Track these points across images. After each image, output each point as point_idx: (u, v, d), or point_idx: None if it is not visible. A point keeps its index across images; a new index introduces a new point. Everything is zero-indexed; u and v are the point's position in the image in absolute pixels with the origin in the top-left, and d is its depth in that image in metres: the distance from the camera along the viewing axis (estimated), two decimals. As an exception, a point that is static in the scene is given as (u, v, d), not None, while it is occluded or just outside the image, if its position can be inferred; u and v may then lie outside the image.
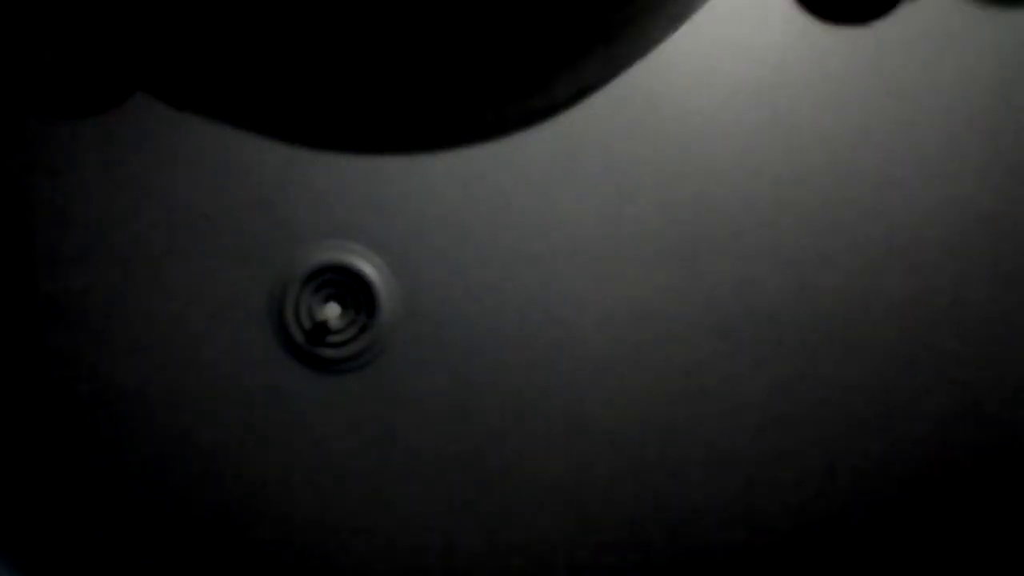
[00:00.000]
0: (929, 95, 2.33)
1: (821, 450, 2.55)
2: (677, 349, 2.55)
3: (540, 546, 2.64)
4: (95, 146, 2.43)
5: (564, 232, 2.65)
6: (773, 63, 2.62)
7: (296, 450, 2.61)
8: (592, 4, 0.81)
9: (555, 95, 0.97)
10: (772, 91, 2.65)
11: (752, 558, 2.57)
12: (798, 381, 2.58)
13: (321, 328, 2.46)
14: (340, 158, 2.39)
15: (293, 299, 2.52)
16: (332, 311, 2.53)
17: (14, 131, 2.50)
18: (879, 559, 2.46)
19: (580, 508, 2.65)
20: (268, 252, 2.66)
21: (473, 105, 0.89)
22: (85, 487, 2.53)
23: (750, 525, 2.57)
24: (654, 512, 2.59)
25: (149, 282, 2.52)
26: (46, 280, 2.47)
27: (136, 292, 2.56)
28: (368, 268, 2.57)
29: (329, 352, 2.55)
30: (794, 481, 2.58)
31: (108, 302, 2.56)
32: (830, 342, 2.55)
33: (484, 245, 2.63)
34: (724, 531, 2.56)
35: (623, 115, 2.60)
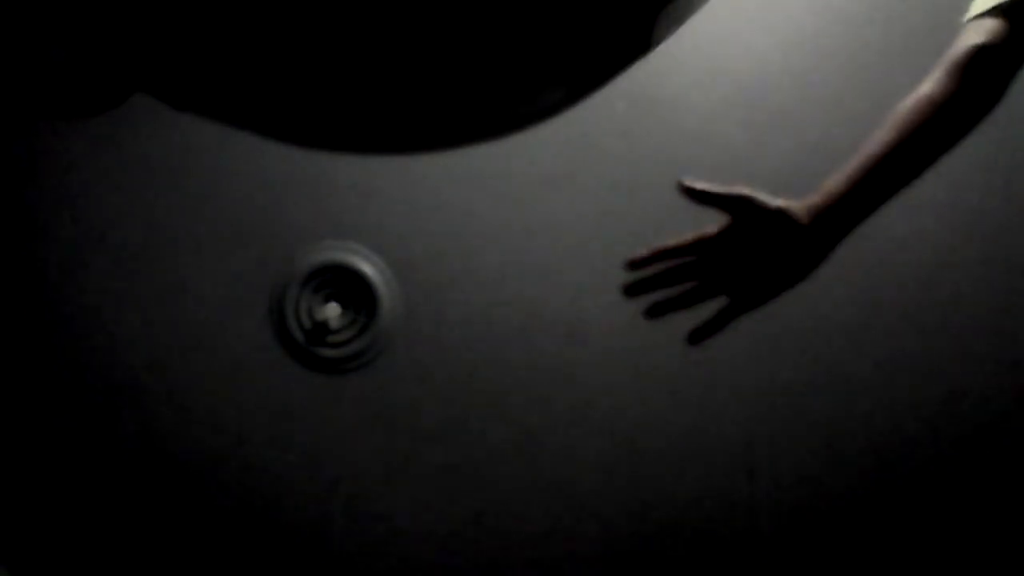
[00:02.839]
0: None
1: (821, 447, 2.53)
2: (677, 347, 2.52)
3: (538, 541, 2.62)
4: (95, 146, 2.43)
5: (564, 232, 2.64)
6: (773, 63, 2.61)
7: (296, 448, 2.61)
8: (593, 9, 0.81)
9: (555, 96, 0.97)
10: (773, 91, 2.64)
11: (751, 549, 2.54)
12: (798, 377, 2.56)
13: (321, 328, 2.45)
14: (340, 158, 2.38)
15: (293, 299, 2.51)
16: (332, 311, 2.52)
17: (15, 131, 2.49)
18: (879, 552, 2.43)
19: (579, 504, 2.64)
20: (268, 252, 2.66)
21: (474, 106, 0.89)
22: (85, 485, 2.51)
23: (750, 518, 2.55)
24: (652, 507, 2.58)
25: (149, 282, 2.52)
26: (46, 278, 2.46)
27: (136, 292, 2.56)
28: (368, 268, 2.56)
29: (329, 352, 2.54)
30: (795, 475, 2.56)
31: (108, 301, 2.55)
32: (830, 340, 2.54)
33: (484, 245, 2.62)
34: (724, 524, 2.54)
35: (623, 115, 2.59)
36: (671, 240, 1.26)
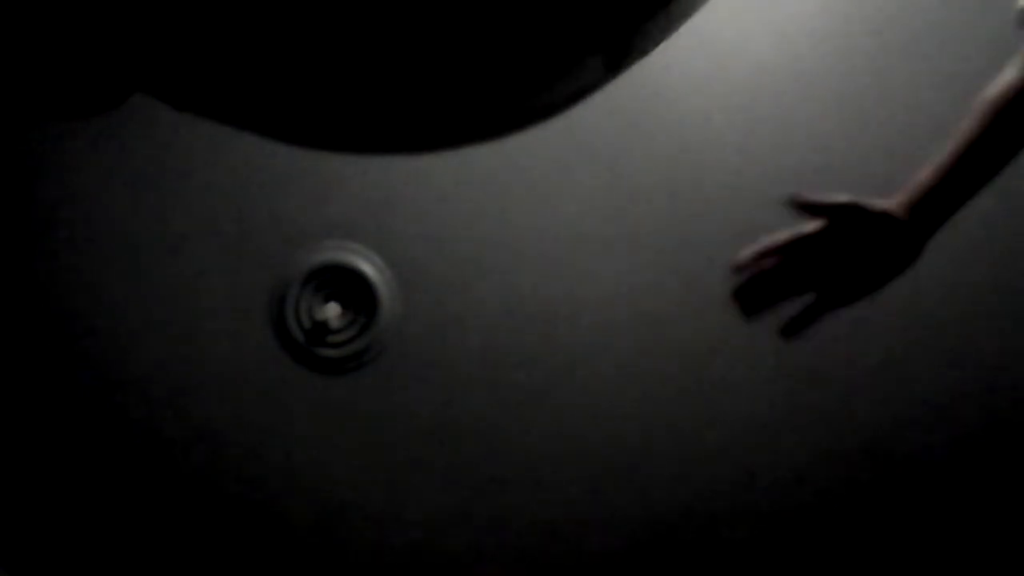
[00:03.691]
0: (928, 96, 2.31)
1: (821, 449, 2.53)
2: (676, 348, 2.53)
3: (535, 539, 2.62)
4: (95, 146, 2.43)
5: (564, 232, 2.64)
6: (771, 64, 2.61)
7: (296, 448, 2.61)
8: (592, 10, 0.81)
9: (554, 96, 0.97)
10: (771, 91, 2.64)
11: (752, 550, 2.54)
12: (799, 378, 2.56)
13: (321, 328, 2.45)
14: (340, 158, 2.38)
15: (293, 299, 2.51)
16: (332, 311, 2.52)
17: (16, 132, 2.49)
18: (879, 553, 2.42)
19: (579, 504, 2.64)
20: (268, 252, 2.66)
21: (474, 105, 0.89)
22: (84, 485, 2.51)
23: (750, 518, 2.55)
24: (652, 508, 2.58)
25: (149, 282, 2.52)
26: (46, 278, 2.47)
27: (136, 292, 2.56)
28: (368, 268, 2.56)
29: (329, 352, 2.54)
30: (796, 477, 2.57)
31: (108, 301, 2.56)
32: (829, 340, 2.54)
33: (484, 245, 2.63)
34: (725, 525, 2.54)
35: (622, 115, 2.59)
36: (768, 240, 1.28)
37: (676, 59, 2.36)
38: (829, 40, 2.37)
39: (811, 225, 1.28)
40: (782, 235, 1.28)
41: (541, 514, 2.38)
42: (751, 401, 2.36)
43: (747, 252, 1.27)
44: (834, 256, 1.28)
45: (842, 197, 1.27)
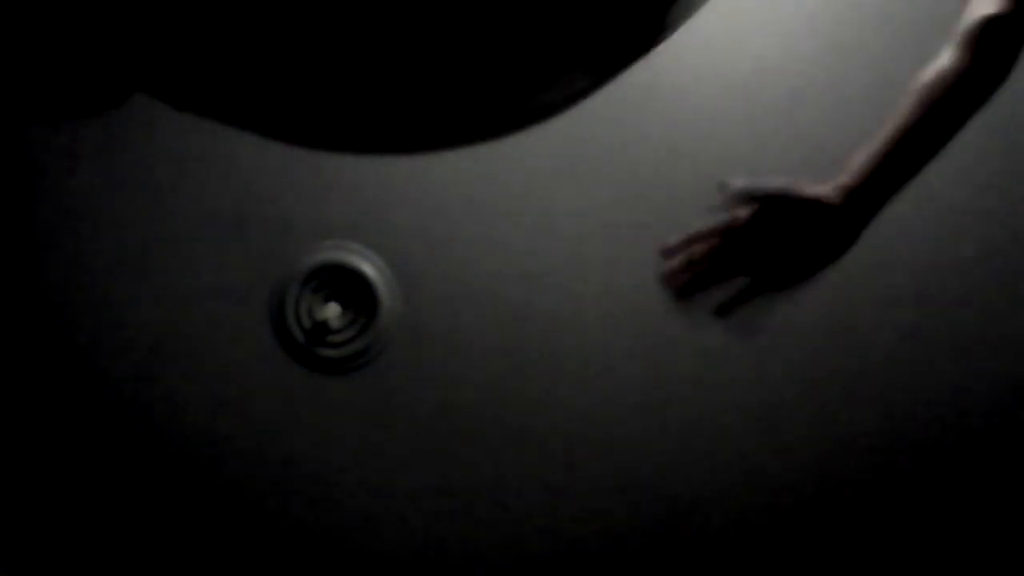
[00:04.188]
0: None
1: (819, 446, 2.53)
2: (676, 347, 2.53)
3: (538, 540, 2.62)
4: (95, 146, 2.42)
5: (564, 231, 2.64)
6: (771, 63, 2.61)
7: (296, 448, 2.60)
8: (591, 12, 0.81)
9: (554, 96, 0.97)
10: (770, 91, 2.64)
11: (752, 549, 2.54)
12: (795, 374, 2.56)
13: (321, 328, 2.45)
14: (340, 158, 2.38)
15: (293, 299, 2.51)
16: (332, 310, 2.51)
17: (16, 132, 2.49)
18: (879, 552, 2.43)
19: (579, 504, 2.64)
20: (268, 252, 2.66)
21: (473, 106, 0.89)
22: (84, 485, 2.51)
23: (751, 518, 2.55)
24: (652, 508, 2.58)
25: (149, 282, 2.52)
26: (47, 279, 2.46)
27: (136, 291, 2.55)
28: (368, 268, 2.56)
29: (329, 352, 2.54)
30: (796, 476, 2.57)
31: (108, 302, 2.55)
32: (829, 339, 2.54)
33: (484, 245, 2.62)
34: (724, 525, 2.54)
35: (622, 115, 2.59)
36: (701, 226, 1.29)
37: (676, 59, 2.36)
38: (829, 39, 2.38)
39: (743, 212, 1.29)
40: (713, 223, 1.29)
41: (541, 513, 2.38)
42: (751, 400, 2.36)
43: (676, 238, 1.29)
44: (766, 242, 1.29)
45: (773, 184, 1.28)
